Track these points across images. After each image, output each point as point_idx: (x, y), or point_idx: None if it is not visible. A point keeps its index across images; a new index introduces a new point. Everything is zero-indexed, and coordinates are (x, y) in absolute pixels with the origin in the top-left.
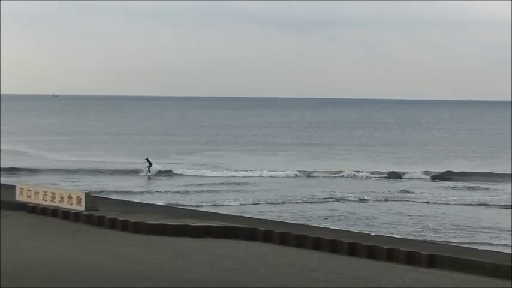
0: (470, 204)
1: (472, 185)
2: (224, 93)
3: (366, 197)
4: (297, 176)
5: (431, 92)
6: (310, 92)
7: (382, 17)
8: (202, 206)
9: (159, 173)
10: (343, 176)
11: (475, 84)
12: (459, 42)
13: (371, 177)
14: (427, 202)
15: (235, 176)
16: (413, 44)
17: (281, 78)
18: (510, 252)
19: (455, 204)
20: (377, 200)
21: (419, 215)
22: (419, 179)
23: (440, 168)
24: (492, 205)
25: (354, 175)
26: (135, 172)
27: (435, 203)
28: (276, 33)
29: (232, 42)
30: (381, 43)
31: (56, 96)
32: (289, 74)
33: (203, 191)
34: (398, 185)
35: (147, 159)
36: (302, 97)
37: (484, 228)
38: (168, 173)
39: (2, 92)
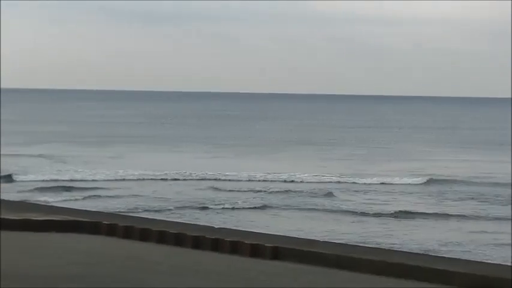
0: None
1: None
2: (82, 86)
3: None
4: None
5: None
6: (166, 85)
7: (237, 11)
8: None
9: None
10: None
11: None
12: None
13: None
14: None
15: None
16: (269, 38)
17: (139, 71)
18: (352, 244)
19: None
20: None
21: None
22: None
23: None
24: None
25: None
26: None
27: None
28: (131, 26)
29: (86, 35)
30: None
31: None
32: (149, 67)
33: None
34: None
35: None
36: (157, 90)
37: None
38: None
39: None
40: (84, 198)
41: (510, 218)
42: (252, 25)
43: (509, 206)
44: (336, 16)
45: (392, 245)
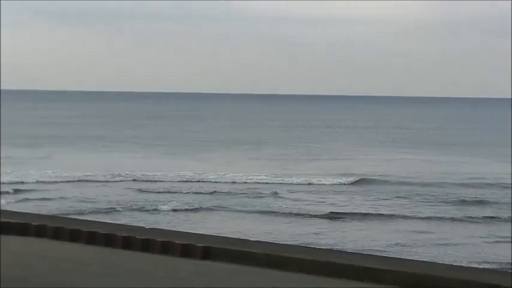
0: None
1: None
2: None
3: None
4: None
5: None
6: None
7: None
8: None
9: None
10: None
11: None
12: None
13: None
14: None
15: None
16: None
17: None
18: (283, 243)
19: None
20: None
21: None
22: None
23: None
24: None
25: None
26: None
27: None
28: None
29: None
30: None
31: None
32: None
33: None
34: None
35: None
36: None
37: None
38: None
39: None
40: (15, 200)
41: (442, 217)
42: (189, 23)
43: (440, 205)
44: (273, 14)
45: (325, 246)
